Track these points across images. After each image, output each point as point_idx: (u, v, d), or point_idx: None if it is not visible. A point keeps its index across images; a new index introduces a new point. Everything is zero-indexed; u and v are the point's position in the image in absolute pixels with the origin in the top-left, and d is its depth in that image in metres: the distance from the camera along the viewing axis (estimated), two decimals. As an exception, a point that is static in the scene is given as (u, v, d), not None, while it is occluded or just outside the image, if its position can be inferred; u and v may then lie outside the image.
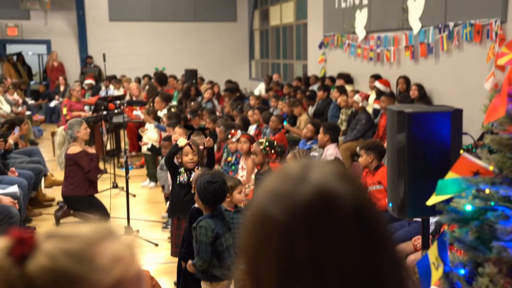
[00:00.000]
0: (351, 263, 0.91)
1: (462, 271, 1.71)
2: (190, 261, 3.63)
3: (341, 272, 0.91)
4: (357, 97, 8.03)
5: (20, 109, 11.99)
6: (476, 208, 1.60)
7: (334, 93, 9.43)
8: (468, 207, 1.60)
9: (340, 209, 0.92)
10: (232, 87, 12.32)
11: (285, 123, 8.59)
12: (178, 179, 4.72)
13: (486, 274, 1.56)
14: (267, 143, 5.12)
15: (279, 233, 0.92)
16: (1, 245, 0.91)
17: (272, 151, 5.14)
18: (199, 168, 4.65)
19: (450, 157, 2.04)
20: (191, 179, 4.59)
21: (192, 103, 10.14)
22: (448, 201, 1.70)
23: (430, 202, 1.72)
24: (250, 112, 8.61)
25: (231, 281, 3.60)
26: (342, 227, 0.92)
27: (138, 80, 14.64)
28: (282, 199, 0.93)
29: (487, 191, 1.60)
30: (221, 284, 3.58)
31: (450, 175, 1.69)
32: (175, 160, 4.82)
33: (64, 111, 9.46)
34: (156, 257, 5.51)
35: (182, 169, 4.71)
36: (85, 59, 16.79)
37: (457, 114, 2.06)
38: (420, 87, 8.04)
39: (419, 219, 4.54)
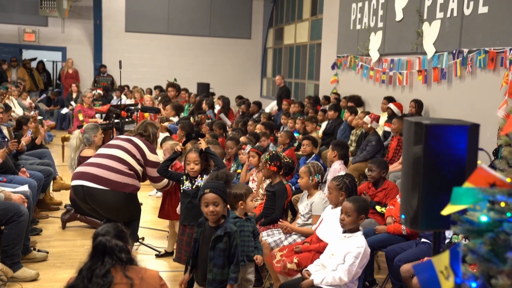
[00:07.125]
0: None
1: (474, 284, 1.71)
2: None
3: None
4: (366, 118, 8.05)
5: (32, 113, 12.07)
6: (491, 220, 1.61)
7: (345, 114, 9.46)
8: (483, 218, 1.62)
9: None
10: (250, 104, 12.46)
11: (296, 134, 8.58)
12: (182, 186, 4.77)
13: (499, 286, 1.57)
14: (268, 156, 5.10)
15: None
16: None
17: (272, 164, 5.02)
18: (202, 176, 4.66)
19: (466, 171, 2.06)
20: (193, 186, 4.64)
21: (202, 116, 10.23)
22: (462, 212, 1.71)
23: (445, 212, 1.73)
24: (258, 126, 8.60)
25: None
26: None
27: (150, 91, 14.75)
28: None
29: (502, 204, 1.61)
30: None
31: (466, 186, 1.71)
32: (185, 168, 4.84)
33: (81, 117, 9.54)
34: (160, 265, 5.52)
35: (184, 177, 4.75)
36: (99, 68, 16.98)
37: (474, 128, 2.09)
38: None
39: (428, 241, 4.55)
